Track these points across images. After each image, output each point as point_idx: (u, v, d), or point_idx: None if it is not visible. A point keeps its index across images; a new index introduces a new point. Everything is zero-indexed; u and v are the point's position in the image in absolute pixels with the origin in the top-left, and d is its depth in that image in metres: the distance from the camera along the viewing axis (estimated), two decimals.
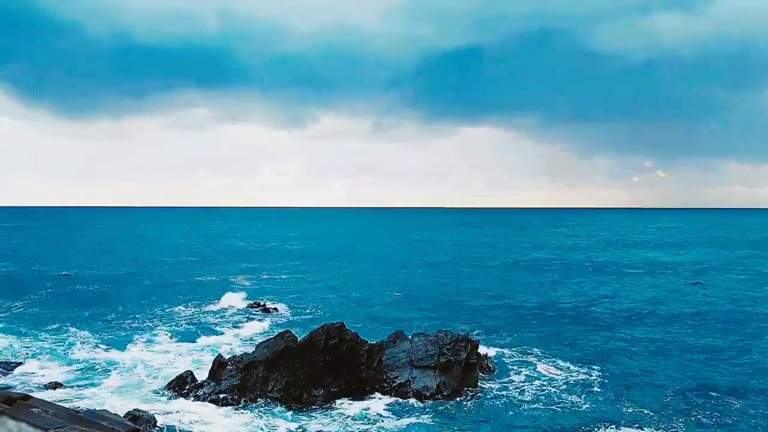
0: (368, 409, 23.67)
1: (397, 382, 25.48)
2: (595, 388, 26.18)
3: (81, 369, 28.07)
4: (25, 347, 31.74)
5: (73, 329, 36.01)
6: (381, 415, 23.00)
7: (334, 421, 22.55)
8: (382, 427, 21.87)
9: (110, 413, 13.37)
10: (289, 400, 24.32)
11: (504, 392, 25.76)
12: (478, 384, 26.18)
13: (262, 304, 44.99)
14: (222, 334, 35.76)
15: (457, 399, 24.65)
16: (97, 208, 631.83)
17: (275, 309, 44.03)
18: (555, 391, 25.78)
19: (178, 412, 22.65)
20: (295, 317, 41.67)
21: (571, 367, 29.04)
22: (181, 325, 37.95)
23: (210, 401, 23.76)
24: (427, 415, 22.91)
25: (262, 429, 21.57)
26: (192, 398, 24.06)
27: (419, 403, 24.00)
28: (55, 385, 25.32)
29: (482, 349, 28.72)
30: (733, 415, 23.40)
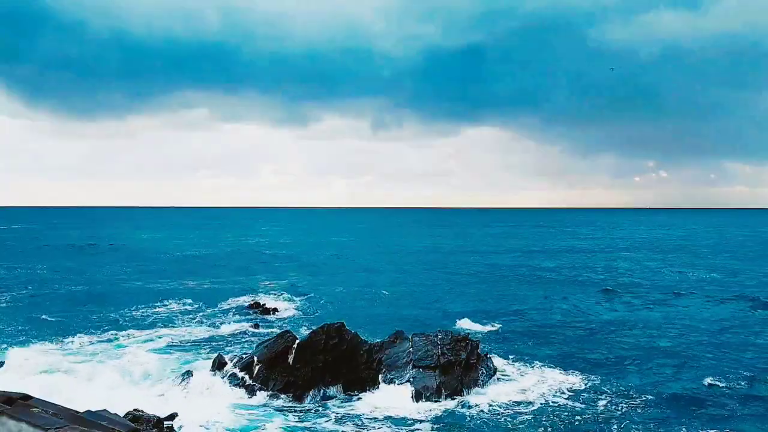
0: (368, 409, 23.66)
1: (397, 382, 25.45)
2: (597, 391, 26.12)
3: (80, 369, 28.01)
4: (24, 348, 31.70)
5: (73, 329, 35.99)
6: (381, 416, 22.97)
7: (333, 421, 22.54)
8: (382, 428, 21.86)
9: (110, 413, 13.35)
10: (289, 399, 24.34)
11: (504, 393, 25.68)
12: (479, 384, 26.15)
13: (262, 304, 44.96)
14: (222, 333, 35.77)
15: (458, 399, 24.61)
16: (96, 208, 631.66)
17: (275, 309, 44.01)
18: (556, 394, 25.74)
19: (178, 411, 22.62)
20: (295, 317, 41.68)
21: (573, 371, 28.96)
22: (181, 325, 37.97)
23: (210, 401, 23.74)
24: (428, 416, 22.88)
25: (261, 429, 21.56)
26: (192, 398, 24.05)
27: (419, 404, 23.96)
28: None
29: (483, 350, 28.70)
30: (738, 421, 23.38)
